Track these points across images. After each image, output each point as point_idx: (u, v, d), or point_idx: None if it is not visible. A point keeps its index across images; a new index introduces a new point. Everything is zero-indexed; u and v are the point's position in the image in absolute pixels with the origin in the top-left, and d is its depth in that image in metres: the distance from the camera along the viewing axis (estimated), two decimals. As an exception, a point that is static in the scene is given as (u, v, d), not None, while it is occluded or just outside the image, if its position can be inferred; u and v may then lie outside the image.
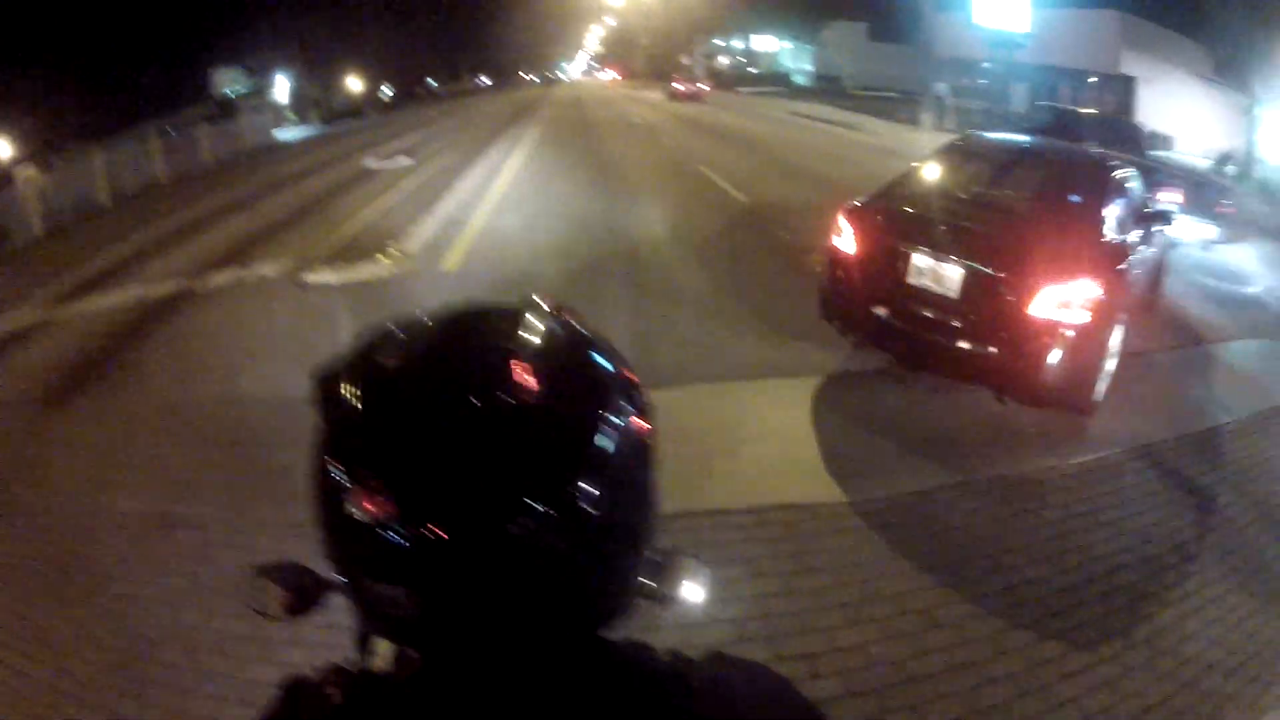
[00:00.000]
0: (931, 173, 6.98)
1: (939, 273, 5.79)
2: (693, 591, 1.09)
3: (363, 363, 0.84)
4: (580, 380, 0.85)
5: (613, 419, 0.82)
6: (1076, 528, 4.69)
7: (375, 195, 13.61)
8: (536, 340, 0.85)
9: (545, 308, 0.90)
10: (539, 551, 0.77)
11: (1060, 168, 7.01)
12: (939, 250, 5.80)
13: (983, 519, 4.70)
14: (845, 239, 6.43)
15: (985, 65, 40.09)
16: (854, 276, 6.37)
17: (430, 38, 71.10)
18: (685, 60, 75.88)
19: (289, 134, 35.38)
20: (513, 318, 0.88)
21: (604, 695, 0.85)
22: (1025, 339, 5.46)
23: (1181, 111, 43.38)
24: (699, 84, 53.96)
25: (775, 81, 67.59)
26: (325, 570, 0.90)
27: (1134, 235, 6.56)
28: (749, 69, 75.24)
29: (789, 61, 75.58)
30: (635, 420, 0.85)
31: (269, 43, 46.82)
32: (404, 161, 19.18)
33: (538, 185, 14.63)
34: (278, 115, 38.98)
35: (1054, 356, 5.44)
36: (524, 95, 63.13)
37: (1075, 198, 6.45)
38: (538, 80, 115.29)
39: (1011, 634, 3.76)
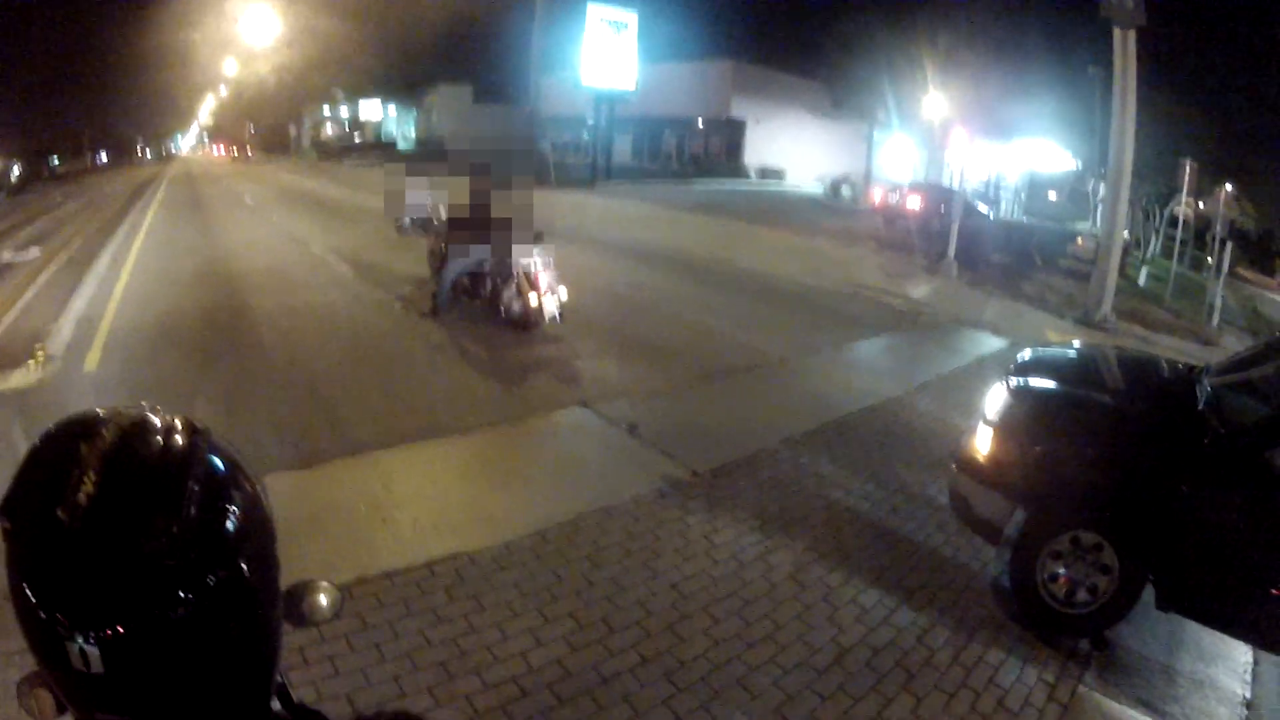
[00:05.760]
0: None
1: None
2: (327, 608, 1.28)
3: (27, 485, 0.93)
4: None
5: (234, 506, 0.98)
6: (700, 521, 5.64)
7: (15, 291, 12.99)
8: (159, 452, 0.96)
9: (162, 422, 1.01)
10: (198, 632, 0.91)
11: None
12: None
13: (634, 533, 5.38)
14: None
15: (590, 121, 41.77)
16: None
17: (53, 113, 66.62)
18: (293, 131, 78.02)
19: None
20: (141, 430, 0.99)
21: None
22: None
23: (792, 145, 48.75)
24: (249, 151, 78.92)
25: (380, 149, 67.13)
26: None
27: None
28: (355, 137, 74.72)
29: (394, 128, 75.40)
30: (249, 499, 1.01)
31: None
32: (36, 252, 18.33)
33: (161, 270, 14.36)
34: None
35: None
36: (142, 173, 59.93)
37: None
38: (151, 156, 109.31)
39: (687, 623, 4.44)
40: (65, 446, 0.96)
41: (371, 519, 5.30)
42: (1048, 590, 4.59)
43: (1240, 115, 25.67)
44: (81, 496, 0.90)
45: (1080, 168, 33.31)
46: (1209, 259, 16.99)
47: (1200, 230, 22.73)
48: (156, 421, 1.01)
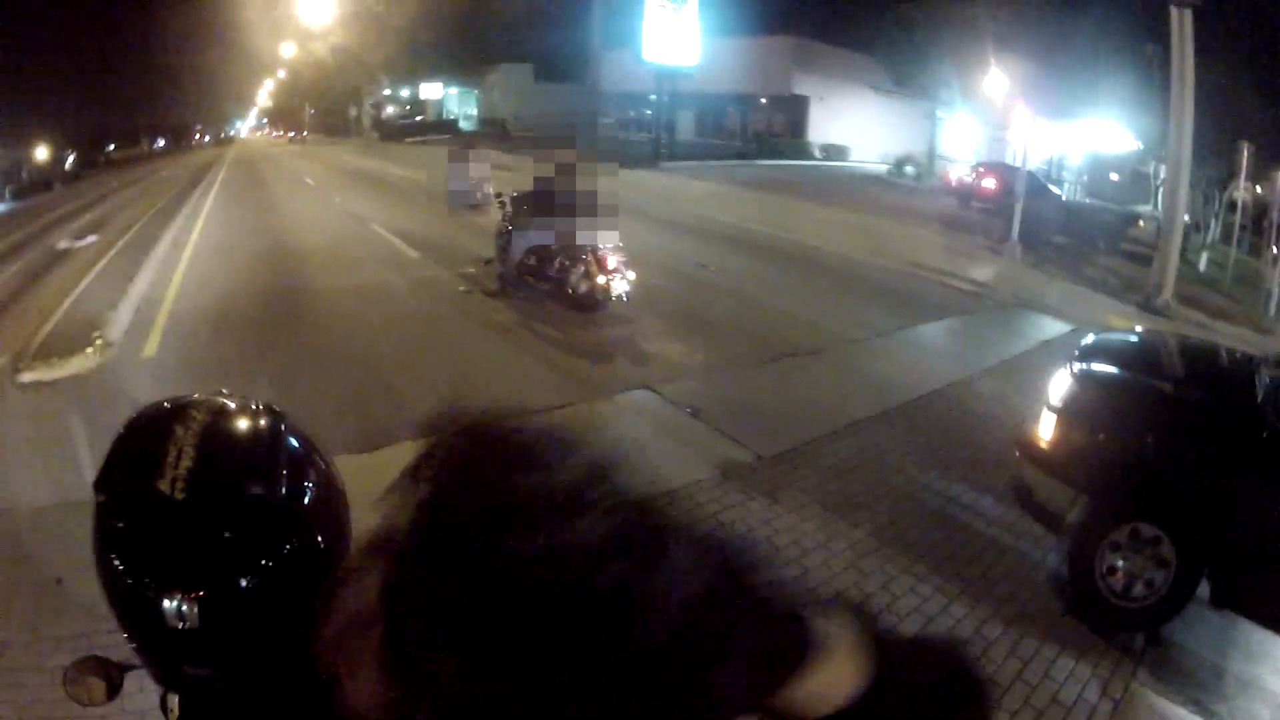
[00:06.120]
0: None
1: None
2: None
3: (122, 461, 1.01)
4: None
5: (312, 483, 1.09)
6: (762, 506, 5.76)
7: (73, 278, 13.19)
8: (243, 432, 1.07)
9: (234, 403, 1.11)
10: (275, 595, 0.99)
11: None
12: None
13: (697, 518, 5.70)
14: None
15: (651, 97, 41.50)
16: None
17: (108, 99, 67.82)
18: (353, 112, 77.90)
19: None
20: (222, 413, 1.08)
21: None
22: None
23: (855, 123, 48.17)
24: (304, 133, 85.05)
25: (442, 129, 66.35)
26: (120, 656, 1.10)
27: None
28: (416, 117, 74.31)
29: (455, 107, 75.41)
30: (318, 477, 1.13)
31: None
32: (93, 239, 18.80)
33: (221, 253, 14.76)
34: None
35: None
36: (200, 157, 60.68)
37: None
38: (209, 140, 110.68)
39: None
40: (159, 427, 1.04)
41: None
42: (1105, 583, 4.57)
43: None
44: (182, 471, 0.98)
45: (1142, 148, 32.45)
46: (1275, 248, 16.54)
47: (1258, 216, 22.07)
48: (241, 405, 1.13)
